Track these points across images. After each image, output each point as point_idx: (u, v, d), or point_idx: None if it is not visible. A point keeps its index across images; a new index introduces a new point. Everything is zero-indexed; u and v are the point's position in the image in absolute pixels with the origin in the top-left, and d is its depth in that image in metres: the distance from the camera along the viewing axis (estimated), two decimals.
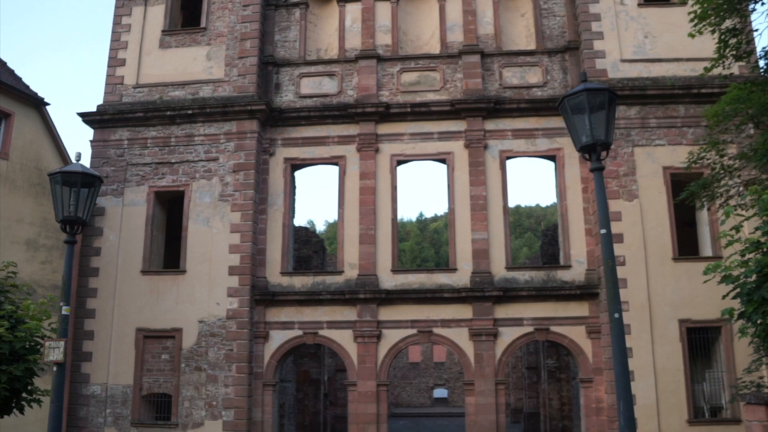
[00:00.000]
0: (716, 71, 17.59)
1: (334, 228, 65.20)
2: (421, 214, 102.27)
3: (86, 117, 24.84)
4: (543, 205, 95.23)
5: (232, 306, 22.76)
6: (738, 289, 9.07)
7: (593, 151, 6.74)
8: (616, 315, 6.57)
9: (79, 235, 7.62)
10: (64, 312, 7.50)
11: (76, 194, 7.25)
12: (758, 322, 8.64)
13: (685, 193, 18.25)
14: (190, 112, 24.15)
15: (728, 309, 9.22)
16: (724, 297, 9.89)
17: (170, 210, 25.37)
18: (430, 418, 46.51)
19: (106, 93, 25.31)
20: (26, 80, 23.42)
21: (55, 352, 7.34)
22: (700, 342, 21.48)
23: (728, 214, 9.16)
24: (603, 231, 6.69)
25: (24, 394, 10.51)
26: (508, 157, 23.72)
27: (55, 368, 7.50)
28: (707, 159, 18.13)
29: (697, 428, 20.55)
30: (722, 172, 17.89)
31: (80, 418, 22.71)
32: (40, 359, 10.22)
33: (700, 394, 21.59)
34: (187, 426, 22.26)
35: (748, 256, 9.05)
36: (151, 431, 22.50)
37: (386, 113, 24.00)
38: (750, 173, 18.73)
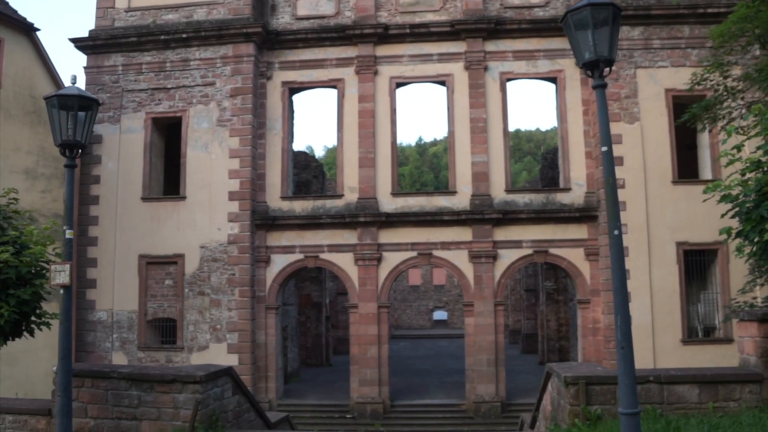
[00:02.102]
0: None
1: (333, 153, 64.97)
2: (420, 139, 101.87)
3: (78, 43, 24.38)
4: (543, 129, 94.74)
5: (233, 231, 22.91)
6: (737, 208, 9.13)
7: (596, 67, 6.65)
8: (616, 232, 6.59)
9: (77, 159, 7.56)
10: (68, 236, 7.53)
11: (74, 118, 7.18)
12: (755, 240, 8.73)
13: (687, 114, 18.07)
14: (184, 35, 23.69)
15: (726, 228, 9.28)
16: (722, 216, 9.94)
17: (168, 136, 25.23)
18: (430, 339, 47.43)
19: (97, 17, 24.77)
20: (14, 5, 22.83)
21: (61, 275, 7.41)
22: (696, 264, 21.74)
23: (730, 133, 9.10)
24: (604, 149, 6.62)
25: (33, 318, 10.71)
26: (509, 79, 23.43)
27: (61, 291, 7.59)
28: (711, 80, 17.87)
29: (690, 347, 21.03)
30: (725, 93, 17.65)
31: (88, 343, 23.21)
32: (46, 283, 10.36)
33: (695, 315, 21.99)
34: (193, 349, 22.73)
35: (748, 175, 9.06)
36: (158, 355, 22.99)
37: (385, 35, 23.55)
38: (753, 95, 18.50)
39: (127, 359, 22.91)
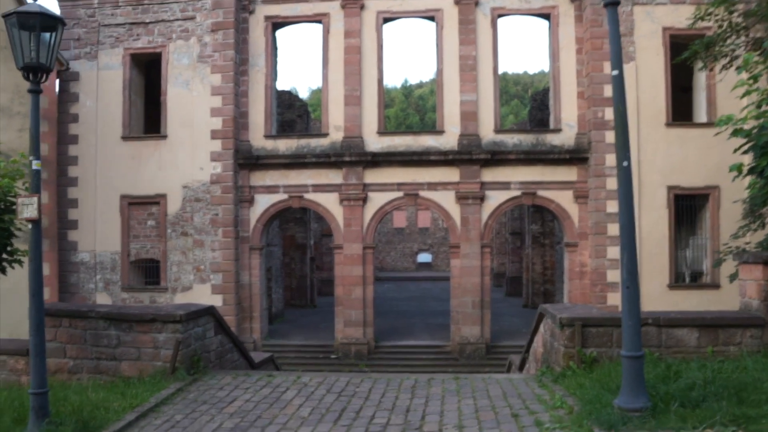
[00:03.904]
0: None
1: (317, 95, 63.83)
2: (405, 81, 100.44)
3: None
4: (530, 72, 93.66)
5: (215, 170, 22.37)
6: (752, 143, 8.73)
7: None
8: (625, 163, 6.20)
9: (44, 83, 6.95)
10: (34, 167, 6.97)
11: (36, 38, 6.55)
12: None
13: (688, 52, 17.40)
14: None
15: (737, 165, 8.88)
16: (735, 151, 9.52)
17: (148, 73, 24.42)
18: (414, 281, 47.59)
19: None
20: None
21: (28, 209, 6.88)
22: (686, 209, 21.53)
23: (747, 61, 8.63)
24: (615, 72, 6.18)
25: (4, 255, 10.23)
26: (500, 15, 22.64)
27: (29, 226, 7.10)
28: (715, 15, 17.16)
29: (677, 292, 20.99)
30: (729, 30, 17.01)
31: (71, 284, 22.86)
32: (15, 218, 9.86)
33: (683, 260, 21.90)
34: (177, 290, 22.44)
35: (764, 108, 8.63)
36: (142, 296, 22.69)
37: None
38: (756, 34, 17.86)
39: (111, 300, 22.62)
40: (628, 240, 6.33)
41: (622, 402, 6.41)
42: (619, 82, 6.20)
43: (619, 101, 6.25)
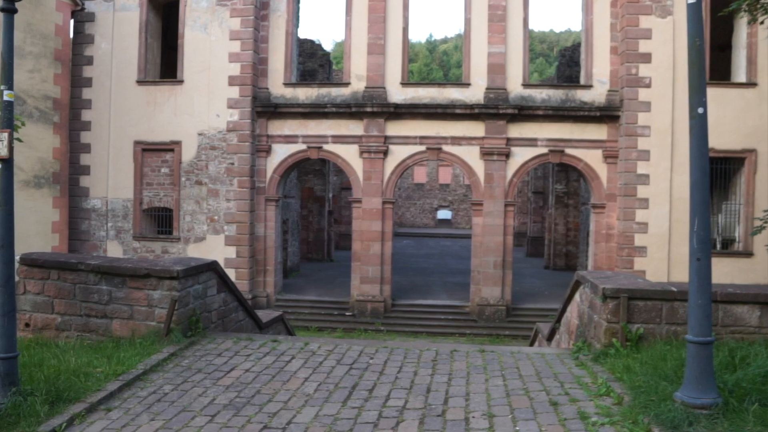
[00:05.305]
0: None
1: (341, 47, 62.51)
2: (430, 36, 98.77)
3: None
4: (557, 30, 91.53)
5: (232, 118, 21.69)
6: None
7: None
8: (700, 110, 5.32)
9: (18, 1, 6.12)
10: (6, 98, 6.13)
11: None
12: None
13: (734, 4, 16.35)
14: None
15: None
16: None
17: (166, 16, 23.63)
18: (434, 238, 46.99)
19: None
20: None
21: None
22: (720, 173, 20.62)
23: None
24: (691, 0, 5.29)
25: None
26: None
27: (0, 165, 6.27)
28: None
29: None
30: None
31: (82, 231, 22.47)
32: None
33: (714, 226, 21.04)
34: (189, 240, 21.98)
35: None
36: (154, 245, 22.27)
37: None
38: None
39: (122, 248, 22.23)
40: (701, 201, 5.43)
41: (685, 395, 5.54)
42: (696, 11, 5.26)
43: (695, 34, 5.30)
